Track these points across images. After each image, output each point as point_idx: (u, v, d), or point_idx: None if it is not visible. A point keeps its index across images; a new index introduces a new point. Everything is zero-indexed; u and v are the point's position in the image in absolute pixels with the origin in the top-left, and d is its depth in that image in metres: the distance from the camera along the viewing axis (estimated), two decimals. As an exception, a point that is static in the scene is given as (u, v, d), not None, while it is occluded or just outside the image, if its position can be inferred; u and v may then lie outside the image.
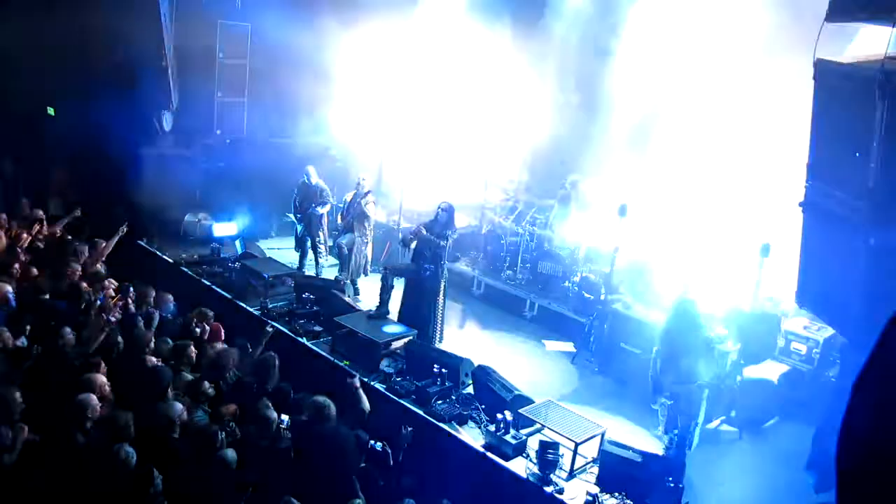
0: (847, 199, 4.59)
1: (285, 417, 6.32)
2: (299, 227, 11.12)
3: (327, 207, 11.06)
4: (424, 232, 9.03)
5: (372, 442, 6.13)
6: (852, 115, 4.59)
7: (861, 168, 4.35)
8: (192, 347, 7.02)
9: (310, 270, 11.11)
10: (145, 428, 5.43)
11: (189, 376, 6.61)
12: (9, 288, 7.26)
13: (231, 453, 5.21)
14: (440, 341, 9.41)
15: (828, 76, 4.86)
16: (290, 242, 11.86)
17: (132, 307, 7.57)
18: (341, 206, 11.06)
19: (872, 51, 4.83)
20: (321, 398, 6.22)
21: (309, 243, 11.11)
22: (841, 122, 4.82)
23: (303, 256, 11.21)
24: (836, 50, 6.51)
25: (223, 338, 7.87)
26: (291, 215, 11.14)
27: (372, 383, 7.88)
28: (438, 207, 9.34)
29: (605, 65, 12.07)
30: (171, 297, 8.39)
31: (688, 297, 7.36)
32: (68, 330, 6.70)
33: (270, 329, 8.15)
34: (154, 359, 6.61)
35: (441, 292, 9.29)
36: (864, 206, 4.32)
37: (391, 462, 6.08)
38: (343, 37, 12.53)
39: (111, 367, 6.35)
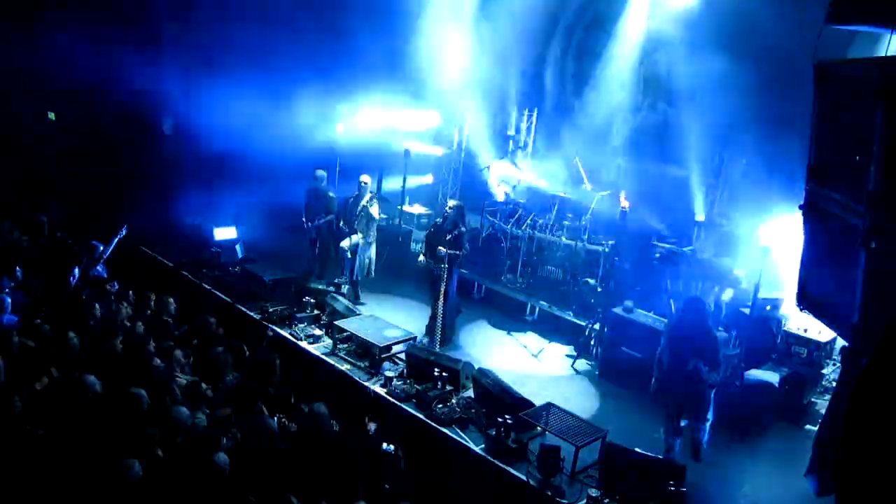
0: (847, 202, 4.58)
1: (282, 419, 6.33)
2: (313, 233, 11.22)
3: (330, 217, 11.10)
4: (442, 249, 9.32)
5: (384, 445, 6.11)
6: (852, 118, 4.58)
7: (861, 171, 4.34)
8: (180, 350, 7.03)
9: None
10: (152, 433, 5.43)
11: (183, 379, 6.59)
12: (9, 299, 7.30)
13: (224, 457, 5.18)
14: (448, 341, 9.59)
15: (827, 79, 4.85)
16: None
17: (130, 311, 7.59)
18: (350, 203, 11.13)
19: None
20: (318, 406, 6.20)
21: (317, 250, 11.19)
22: (841, 125, 4.82)
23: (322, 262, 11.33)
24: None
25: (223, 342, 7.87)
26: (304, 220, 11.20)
27: (371, 386, 7.88)
28: (446, 207, 9.70)
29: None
30: (171, 300, 8.39)
31: (697, 297, 7.33)
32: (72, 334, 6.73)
33: (271, 333, 8.15)
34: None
35: (442, 293, 9.42)
36: (864, 209, 4.31)
37: (402, 465, 6.06)
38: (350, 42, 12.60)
39: (110, 369, 6.36)
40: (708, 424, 7.17)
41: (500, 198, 12.51)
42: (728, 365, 8.02)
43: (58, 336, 6.79)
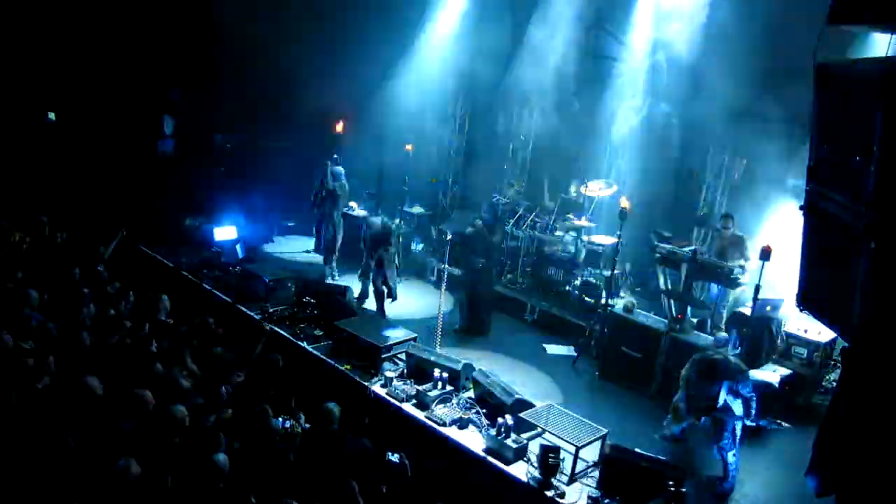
0: (848, 203, 4.58)
1: (288, 422, 6.31)
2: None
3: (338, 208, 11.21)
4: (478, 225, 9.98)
5: (389, 454, 6.08)
6: (852, 119, 4.58)
7: (861, 171, 4.34)
8: (188, 351, 7.03)
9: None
10: (151, 433, 5.43)
11: (185, 382, 6.57)
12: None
13: (223, 457, 5.18)
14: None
15: (828, 79, 4.85)
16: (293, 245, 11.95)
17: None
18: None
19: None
20: (330, 405, 6.20)
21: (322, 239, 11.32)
22: (841, 126, 4.81)
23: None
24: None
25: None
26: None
27: (372, 387, 7.88)
28: (484, 207, 10.48)
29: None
30: (166, 296, 8.36)
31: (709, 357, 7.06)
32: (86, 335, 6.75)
33: (268, 328, 8.11)
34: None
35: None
36: (864, 210, 4.31)
37: (409, 474, 6.04)
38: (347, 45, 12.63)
39: (118, 371, 6.37)
40: (733, 451, 7.02)
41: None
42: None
43: (63, 337, 6.80)
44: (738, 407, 6.97)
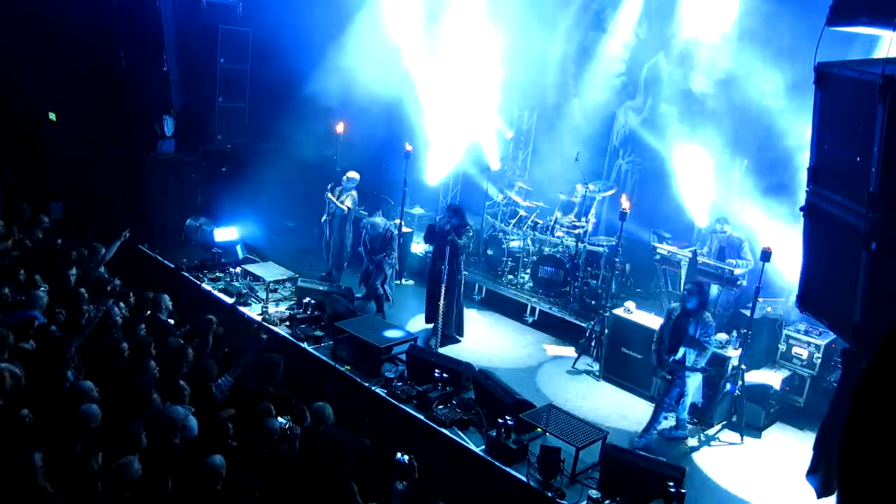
0: (848, 204, 4.58)
1: (284, 420, 6.31)
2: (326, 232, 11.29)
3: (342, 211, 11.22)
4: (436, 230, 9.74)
5: (399, 454, 6.09)
6: (853, 120, 4.58)
7: (862, 172, 4.33)
8: (191, 350, 7.02)
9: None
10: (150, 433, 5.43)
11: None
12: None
13: (220, 459, 5.17)
14: (461, 334, 10.04)
15: (828, 80, 4.85)
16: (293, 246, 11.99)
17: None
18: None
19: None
20: (320, 404, 6.21)
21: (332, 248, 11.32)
22: (842, 127, 4.81)
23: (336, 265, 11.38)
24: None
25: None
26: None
27: (372, 387, 7.87)
28: (448, 208, 10.01)
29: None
30: (166, 296, 8.36)
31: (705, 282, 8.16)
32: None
33: (265, 336, 8.08)
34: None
35: (457, 289, 9.87)
36: (864, 211, 4.31)
37: (416, 475, 6.04)
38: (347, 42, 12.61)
39: (115, 372, 6.37)
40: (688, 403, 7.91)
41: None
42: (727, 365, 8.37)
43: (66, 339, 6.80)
44: (690, 356, 7.66)
